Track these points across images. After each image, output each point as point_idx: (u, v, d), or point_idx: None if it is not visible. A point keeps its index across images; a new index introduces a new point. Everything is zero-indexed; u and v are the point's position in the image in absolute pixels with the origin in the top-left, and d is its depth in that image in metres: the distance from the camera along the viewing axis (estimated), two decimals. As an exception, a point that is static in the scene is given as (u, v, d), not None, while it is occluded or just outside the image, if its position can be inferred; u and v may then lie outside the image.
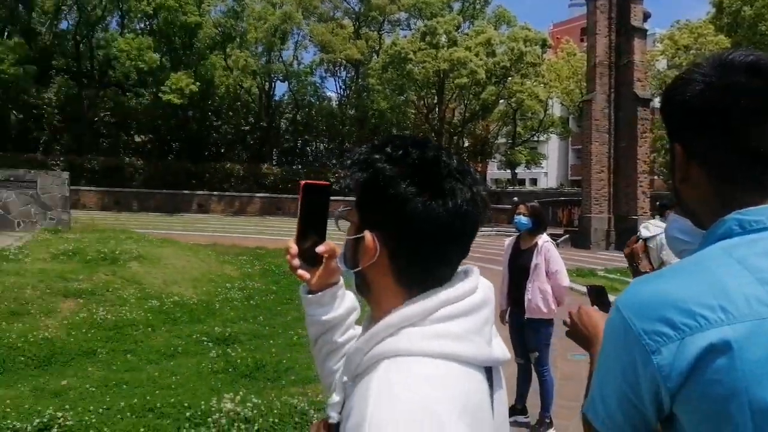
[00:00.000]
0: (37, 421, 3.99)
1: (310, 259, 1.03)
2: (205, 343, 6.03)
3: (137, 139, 29.79)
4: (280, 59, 30.93)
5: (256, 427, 3.93)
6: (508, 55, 28.55)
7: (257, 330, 6.62)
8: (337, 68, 33.47)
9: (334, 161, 33.95)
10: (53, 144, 27.51)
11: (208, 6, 28.50)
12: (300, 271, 1.04)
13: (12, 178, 11.54)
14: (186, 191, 25.48)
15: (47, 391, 4.68)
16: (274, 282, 9.43)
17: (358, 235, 0.88)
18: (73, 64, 28.41)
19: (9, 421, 4.01)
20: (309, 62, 33.37)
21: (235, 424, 3.94)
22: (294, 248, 1.02)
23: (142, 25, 29.52)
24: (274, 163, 31.17)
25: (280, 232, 18.09)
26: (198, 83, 25.31)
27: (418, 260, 0.85)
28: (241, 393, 4.40)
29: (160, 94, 24.89)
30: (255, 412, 4.09)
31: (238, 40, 29.78)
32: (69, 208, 12.16)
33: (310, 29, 31.25)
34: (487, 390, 0.84)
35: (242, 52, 28.74)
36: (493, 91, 30.42)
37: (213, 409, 4.16)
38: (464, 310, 0.84)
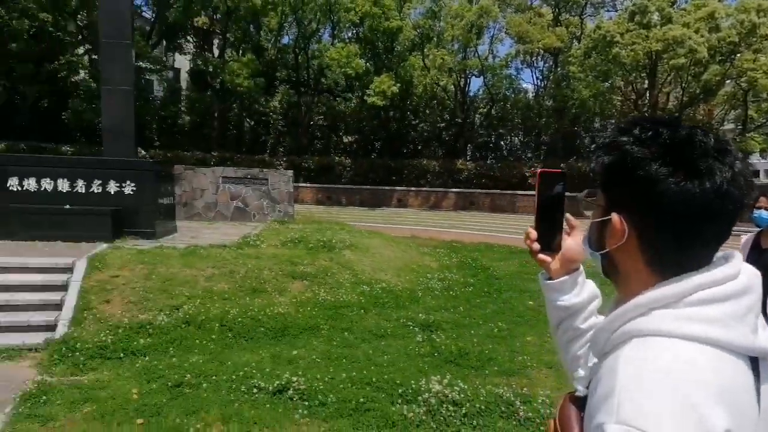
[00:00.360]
0: (277, 383, 4.65)
1: (549, 245, 1.06)
2: (411, 327, 6.40)
3: (345, 139, 32.47)
4: (476, 54, 31.01)
5: (463, 411, 4.08)
6: (736, 28, 24.70)
7: (458, 320, 6.81)
8: (534, 59, 32.44)
9: (529, 154, 33.00)
10: (278, 146, 31.42)
11: (408, 9, 29.78)
12: (540, 256, 1.07)
13: (249, 177, 13.50)
14: (387, 187, 27.08)
15: (282, 359, 5.41)
16: (472, 275, 9.57)
17: (604, 218, 0.89)
18: (293, 75, 32.06)
19: (254, 381, 4.74)
20: (504, 55, 32.89)
21: (444, 405, 4.14)
22: (533, 234, 1.06)
23: (350, 34, 32.00)
24: (468, 158, 31.45)
25: (474, 227, 18.24)
26: (398, 84, 26.65)
27: (671, 242, 0.84)
28: (447, 377, 4.59)
29: (365, 98, 26.80)
30: (462, 396, 4.25)
31: (435, 39, 30.62)
32: (293, 202, 13.81)
33: (506, 21, 30.77)
34: (752, 381, 0.80)
35: (439, 51, 29.44)
36: (718, 70, 26.58)
37: (422, 388, 4.42)
38: (723, 296, 0.81)
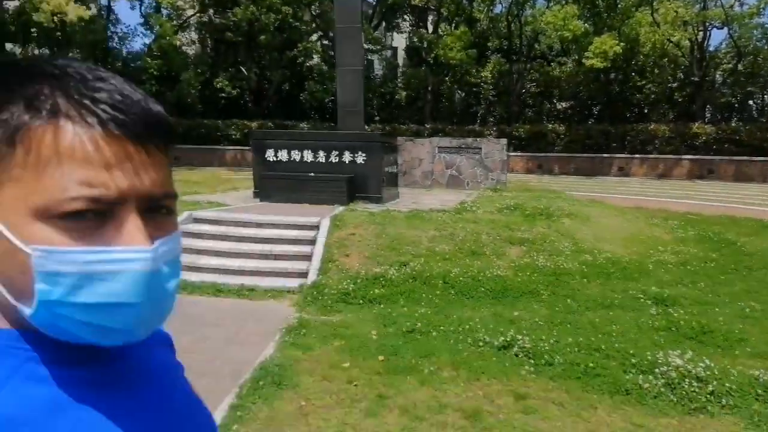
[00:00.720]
0: (501, 339, 4.80)
1: None
2: (642, 300, 6.00)
3: (559, 106, 30.94)
4: (718, 4, 26.72)
5: (710, 388, 3.76)
6: None
7: (699, 296, 6.18)
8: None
9: (787, 115, 27.64)
10: (488, 116, 31.33)
11: (636, -40, 26.85)
12: None
13: (463, 146, 13.78)
14: (605, 155, 25.18)
15: (503, 318, 5.55)
16: (714, 249, 8.52)
17: None
18: (504, 43, 31.44)
19: (479, 335, 4.96)
20: (755, 1, 27.74)
21: (686, 380, 3.86)
22: None
23: (568, -5, 30.14)
24: (706, 121, 27.51)
25: (713, 198, 16.01)
26: (621, 44, 24.38)
27: None
28: (689, 353, 4.25)
29: (583, 60, 25.11)
30: (708, 373, 3.90)
31: (668, -9, 27.15)
32: (506, 170, 13.75)
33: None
34: None
35: (671, 3, 26.06)
36: None
37: (659, 361, 4.17)
38: None
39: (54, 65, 0.55)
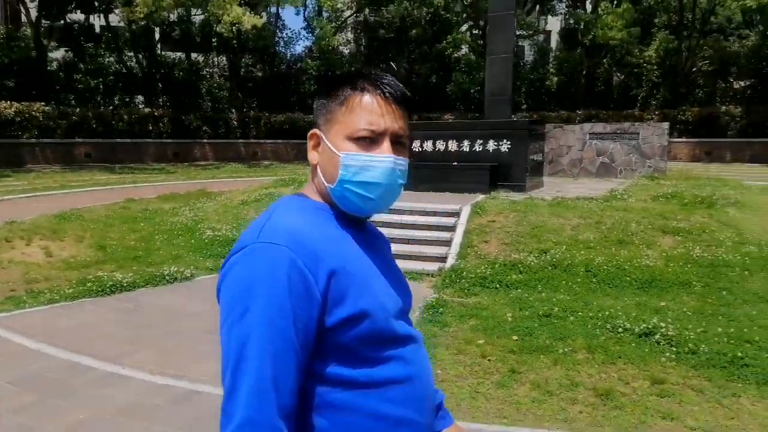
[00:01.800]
0: (643, 326, 4.72)
1: None
2: (813, 296, 5.42)
3: (736, 86, 27.56)
4: None
5: None
6: None
7: None
8: None
9: None
10: (650, 99, 28.93)
11: None
12: None
13: (618, 131, 13.09)
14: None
15: (648, 307, 5.39)
16: None
17: None
18: (673, 18, 28.72)
19: (619, 322, 4.91)
20: None
21: None
22: None
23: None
24: None
25: None
26: (819, 8, 21.05)
27: None
28: None
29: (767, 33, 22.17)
30: None
31: None
32: (666, 157, 12.80)
33: None
34: None
35: None
36: None
37: (823, 358, 3.84)
38: None
39: (362, 72, 1.13)
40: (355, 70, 1.22)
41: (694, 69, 27.72)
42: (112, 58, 27.69)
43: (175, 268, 6.92)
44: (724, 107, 24.83)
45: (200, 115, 27.10)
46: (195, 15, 29.44)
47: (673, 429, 3.34)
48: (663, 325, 4.61)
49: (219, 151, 26.63)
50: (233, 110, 29.06)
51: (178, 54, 29.95)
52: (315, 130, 1.13)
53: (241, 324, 0.93)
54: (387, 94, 1.08)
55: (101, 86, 26.61)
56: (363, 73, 1.12)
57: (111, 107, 26.31)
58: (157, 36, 29.38)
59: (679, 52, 27.04)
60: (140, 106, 28.30)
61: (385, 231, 8.01)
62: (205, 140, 26.67)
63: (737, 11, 25.27)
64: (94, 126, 23.56)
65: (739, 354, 4.02)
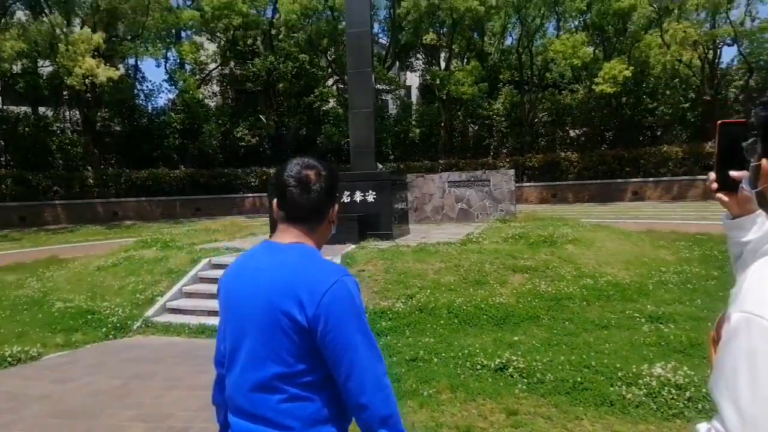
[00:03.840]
0: (498, 361, 5.11)
1: (728, 187, 1.24)
2: (638, 319, 6.25)
3: (572, 133, 31.32)
4: (727, 21, 27.05)
5: (687, 395, 4.02)
6: None
7: (694, 312, 6.39)
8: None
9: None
10: (501, 147, 31.81)
11: (643, -16, 27.48)
12: (719, 195, 1.28)
13: (472, 179, 14.22)
14: (619, 180, 25.34)
15: (503, 342, 5.85)
16: (717, 267, 8.68)
17: (756, 163, 1.11)
18: (515, 75, 32.16)
19: (478, 359, 5.27)
20: (766, 17, 28.01)
21: (666, 388, 4.13)
22: (713, 176, 1.27)
23: (576, 23, 30.83)
24: (721, 140, 27.51)
25: (730, 217, 16.00)
26: (631, 68, 24.82)
27: None
28: (672, 363, 4.51)
29: (593, 87, 25.58)
30: (687, 381, 4.17)
31: (676, 12, 27.61)
32: (515, 201, 14.10)
33: (766, -25, 26.20)
34: None
35: (680, 24, 26.48)
36: None
37: (644, 373, 4.44)
38: None
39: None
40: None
41: (536, 120, 31.06)
42: (-60, 114, 24.73)
43: (19, 348, 6.24)
44: (563, 153, 27.97)
45: (51, 174, 24.84)
46: (42, 66, 27.39)
47: (524, 456, 3.65)
48: (515, 358, 5.04)
49: (73, 212, 24.49)
50: (89, 168, 27.09)
51: (23, 108, 27.50)
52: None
53: (364, 320, 1.44)
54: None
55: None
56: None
57: (-61, 168, 23.30)
58: (-3, 89, 26.83)
59: (522, 104, 30.19)
60: (-24, 166, 25.37)
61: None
62: (56, 201, 24.43)
63: (567, 68, 29.02)
64: None
65: (579, 379, 4.52)
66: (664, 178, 24.50)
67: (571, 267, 8.07)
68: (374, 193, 10.53)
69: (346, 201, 10.66)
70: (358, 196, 10.60)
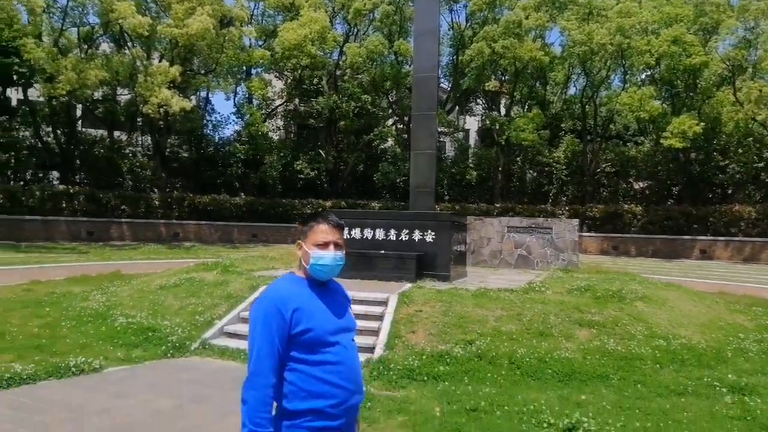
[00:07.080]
0: (567, 421, 4.81)
1: None
2: (717, 388, 5.78)
3: (636, 186, 30.39)
4: (806, 80, 25.98)
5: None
6: None
7: (781, 386, 5.87)
8: None
9: None
10: (560, 195, 31.20)
11: (715, 42, 26.86)
12: None
13: (533, 225, 13.90)
14: (686, 237, 24.24)
15: (569, 401, 5.52)
16: (804, 339, 8.01)
17: None
18: (578, 124, 31.78)
19: (544, 416, 4.98)
20: None
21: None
22: None
23: (643, 77, 30.38)
24: (799, 202, 26.03)
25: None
26: (701, 123, 24.07)
27: None
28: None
29: (660, 140, 24.90)
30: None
31: (750, 70, 26.79)
32: (578, 251, 13.65)
33: None
34: None
35: (755, 83, 25.61)
36: None
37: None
38: None
39: (320, 213, 2.37)
40: (316, 212, 2.46)
41: (598, 170, 30.38)
42: (27, 133, 26.58)
43: (83, 359, 6.38)
44: (626, 205, 27.13)
45: (120, 194, 26.14)
46: (121, 95, 29.15)
47: None
48: (585, 419, 4.73)
49: (138, 230, 25.54)
50: (155, 190, 28.31)
51: (100, 131, 29.24)
52: (299, 241, 2.29)
53: (253, 332, 2.13)
54: (330, 223, 2.26)
55: (13, 160, 25.29)
56: (320, 213, 2.32)
57: (22, 182, 24.89)
58: (78, 112, 28.67)
59: (584, 153, 29.66)
60: (54, 182, 26.98)
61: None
62: (123, 219, 25.58)
63: (633, 120, 28.46)
64: (1, 201, 22.11)
65: (657, 448, 4.17)
66: (736, 238, 23.28)
67: (641, 326, 7.63)
68: (433, 233, 10.42)
69: (404, 239, 10.59)
70: (417, 235, 10.51)
